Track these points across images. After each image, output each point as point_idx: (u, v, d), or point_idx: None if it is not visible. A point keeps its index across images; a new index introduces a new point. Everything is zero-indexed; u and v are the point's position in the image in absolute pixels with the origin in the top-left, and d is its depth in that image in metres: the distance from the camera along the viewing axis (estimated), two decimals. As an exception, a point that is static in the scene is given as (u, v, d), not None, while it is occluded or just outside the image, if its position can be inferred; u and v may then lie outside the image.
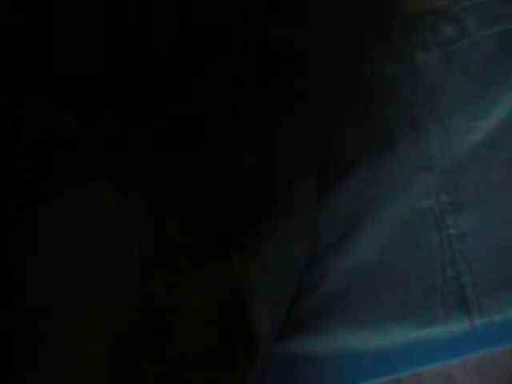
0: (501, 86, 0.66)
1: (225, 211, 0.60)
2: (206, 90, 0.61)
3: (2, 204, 0.57)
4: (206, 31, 0.62)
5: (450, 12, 0.68)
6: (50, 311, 0.56)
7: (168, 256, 0.59)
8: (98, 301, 0.58)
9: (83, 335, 0.57)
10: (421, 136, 0.66)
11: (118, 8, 0.60)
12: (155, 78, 0.61)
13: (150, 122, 0.60)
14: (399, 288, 0.63)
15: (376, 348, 0.62)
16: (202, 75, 0.61)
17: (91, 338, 0.57)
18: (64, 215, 0.58)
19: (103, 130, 0.59)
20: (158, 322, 0.58)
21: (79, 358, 0.56)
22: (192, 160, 0.60)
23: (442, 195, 0.65)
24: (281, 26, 0.64)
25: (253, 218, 0.61)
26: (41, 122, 0.58)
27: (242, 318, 0.59)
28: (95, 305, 0.57)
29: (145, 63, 0.61)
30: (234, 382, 0.59)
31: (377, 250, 0.64)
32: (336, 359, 0.62)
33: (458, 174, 0.65)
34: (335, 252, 0.64)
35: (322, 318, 0.63)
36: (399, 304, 0.63)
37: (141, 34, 0.61)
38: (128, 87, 0.60)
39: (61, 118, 0.59)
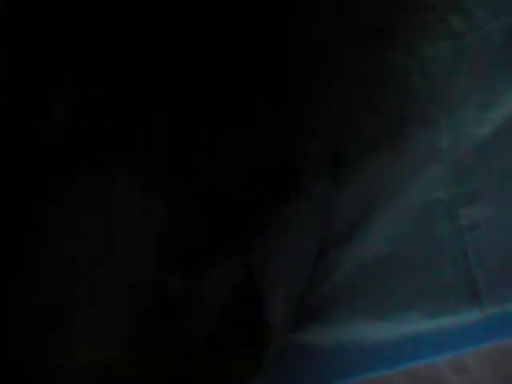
0: (510, 77, 0.67)
1: (239, 199, 0.61)
2: (221, 82, 0.62)
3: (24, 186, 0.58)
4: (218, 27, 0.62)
5: (460, 4, 0.69)
6: (62, 299, 0.57)
7: (184, 243, 0.59)
8: (112, 289, 0.58)
9: (97, 324, 0.57)
10: (431, 127, 0.66)
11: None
12: (170, 69, 0.61)
13: (167, 112, 0.60)
14: (410, 279, 0.64)
15: (387, 338, 0.63)
16: (216, 68, 0.62)
17: (105, 326, 0.58)
18: (79, 204, 0.59)
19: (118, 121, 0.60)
20: (173, 310, 0.59)
21: (92, 345, 0.57)
22: (207, 149, 0.61)
23: (452, 186, 0.66)
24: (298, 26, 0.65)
25: (267, 207, 0.61)
26: (55, 122, 0.59)
27: (256, 306, 0.60)
28: (109, 292, 0.58)
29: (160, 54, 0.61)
30: (248, 369, 0.60)
31: (388, 240, 0.65)
32: (346, 349, 0.63)
33: (468, 165, 0.66)
34: (346, 242, 0.64)
35: (333, 307, 0.63)
36: (410, 294, 0.64)
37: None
38: (144, 78, 0.61)
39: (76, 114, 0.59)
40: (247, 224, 0.61)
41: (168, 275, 0.59)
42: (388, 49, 0.68)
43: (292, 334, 0.63)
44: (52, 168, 0.59)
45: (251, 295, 0.61)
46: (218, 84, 0.61)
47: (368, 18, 0.67)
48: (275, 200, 0.62)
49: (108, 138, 0.59)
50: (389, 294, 0.64)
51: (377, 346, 0.63)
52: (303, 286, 0.63)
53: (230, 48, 0.62)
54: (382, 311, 0.63)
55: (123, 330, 0.58)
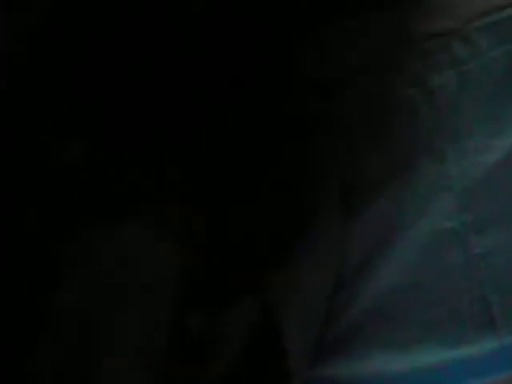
0: (515, 105, 0.67)
1: (253, 239, 0.61)
2: (226, 126, 0.62)
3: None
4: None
5: (463, 32, 0.69)
6: (85, 350, 0.57)
7: (203, 286, 0.60)
8: (134, 338, 0.58)
9: (120, 374, 0.58)
10: (439, 157, 0.66)
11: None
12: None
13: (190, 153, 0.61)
14: (426, 309, 0.64)
15: (406, 370, 0.63)
16: (220, 111, 0.62)
17: (128, 377, 0.58)
18: (94, 250, 0.59)
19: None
20: (191, 351, 0.59)
21: None
22: (219, 193, 0.61)
23: (463, 215, 0.66)
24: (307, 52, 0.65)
25: (283, 245, 0.62)
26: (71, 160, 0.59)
27: (275, 343, 0.60)
28: (130, 343, 0.58)
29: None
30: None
31: (401, 273, 0.65)
32: (366, 382, 0.63)
33: (478, 194, 0.66)
34: (361, 276, 0.65)
35: (351, 341, 0.64)
36: (427, 325, 0.64)
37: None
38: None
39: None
40: (261, 263, 0.61)
41: (185, 316, 0.60)
42: (393, 82, 0.68)
43: (312, 369, 0.63)
44: (63, 213, 0.59)
45: (269, 333, 0.61)
46: (223, 128, 0.62)
47: (371, 51, 0.68)
48: (291, 240, 0.62)
49: (120, 187, 0.60)
50: (406, 325, 0.64)
51: (396, 379, 0.63)
52: (320, 322, 0.63)
53: (232, 87, 0.63)
54: (399, 343, 0.64)
55: (142, 375, 0.58)
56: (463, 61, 0.69)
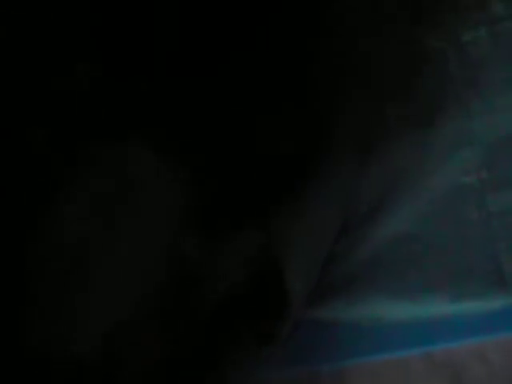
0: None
1: (263, 172, 0.60)
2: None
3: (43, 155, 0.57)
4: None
5: (500, -10, 0.68)
6: (73, 262, 0.56)
7: (203, 215, 0.59)
8: (127, 257, 0.57)
9: (108, 288, 0.57)
10: (464, 110, 0.65)
11: None
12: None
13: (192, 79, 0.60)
14: (436, 261, 0.62)
15: (407, 319, 0.61)
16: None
17: (120, 296, 0.57)
18: (94, 167, 0.58)
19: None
20: (186, 276, 0.58)
21: (107, 315, 0.56)
22: (228, 119, 0.60)
23: (482, 172, 0.64)
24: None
25: (291, 180, 0.60)
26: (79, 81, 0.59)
27: (275, 280, 0.59)
28: (124, 261, 0.57)
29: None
30: (261, 342, 0.59)
31: (412, 222, 0.63)
32: (363, 327, 0.61)
33: (499, 152, 0.64)
34: (371, 220, 0.63)
35: (353, 284, 0.62)
36: (435, 276, 0.62)
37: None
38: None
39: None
40: (265, 197, 0.60)
41: (183, 241, 0.58)
42: (425, 34, 0.67)
43: (309, 308, 0.61)
44: (70, 129, 0.58)
45: (267, 268, 0.59)
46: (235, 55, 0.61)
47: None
48: (299, 176, 0.61)
49: (123, 109, 0.59)
50: (411, 275, 0.62)
51: (395, 327, 0.61)
52: (323, 262, 0.62)
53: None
54: (404, 291, 0.62)
55: (136, 294, 0.57)
56: (498, 19, 0.67)
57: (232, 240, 0.59)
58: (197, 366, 0.58)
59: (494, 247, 0.62)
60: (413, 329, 0.61)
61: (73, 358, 0.56)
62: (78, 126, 0.58)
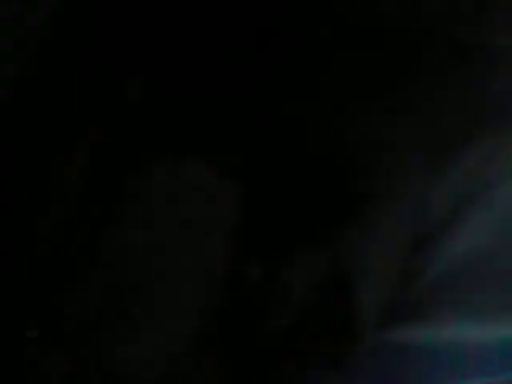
0: None
1: (328, 192, 0.57)
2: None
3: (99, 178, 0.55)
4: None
5: None
6: (138, 286, 0.55)
7: (265, 230, 0.56)
8: (189, 279, 0.55)
9: (167, 313, 0.55)
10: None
11: None
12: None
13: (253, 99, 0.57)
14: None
15: (494, 341, 0.56)
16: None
17: (176, 316, 0.55)
18: (157, 188, 0.55)
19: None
20: (249, 298, 0.55)
21: (169, 336, 0.55)
22: (295, 139, 0.57)
23: None
24: None
25: (357, 199, 0.57)
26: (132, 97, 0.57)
27: (342, 301, 0.55)
28: (182, 280, 0.55)
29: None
30: (329, 366, 0.55)
31: (492, 236, 0.58)
32: (441, 351, 0.57)
33: None
34: (444, 236, 0.58)
35: (430, 304, 0.58)
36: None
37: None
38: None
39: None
40: (336, 215, 0.57)
41: (246, 262, 0.56)
42: (488, 30, 0.62)
43: (382, 331, 0.57)
44: (128, 147, 0.56)
45: (336, 289, 0.56)
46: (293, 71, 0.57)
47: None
48: (365, 195, 0.57)
49: (184, 124, 0.57)
50: (487, 292, 0.57)
51: (476, 351, 0.57)
52: (396, 281, 0.57)
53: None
54: (488, 311, 0.57)
55: (196, 319, 0.55)
56: None
57: (297, 263, 0.56)
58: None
59: None
60: (499, 352, 0.56)
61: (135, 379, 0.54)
62: (140, 142, 0.56)
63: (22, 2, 0.58)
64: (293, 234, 0.56)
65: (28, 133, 0.57)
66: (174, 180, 0.56)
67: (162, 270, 0.55)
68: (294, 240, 0.56)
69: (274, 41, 0.58)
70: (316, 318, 0.56)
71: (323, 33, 0.58)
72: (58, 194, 0.56)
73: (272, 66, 0.58)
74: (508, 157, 0.60)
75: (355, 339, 0.55)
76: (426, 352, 0.57)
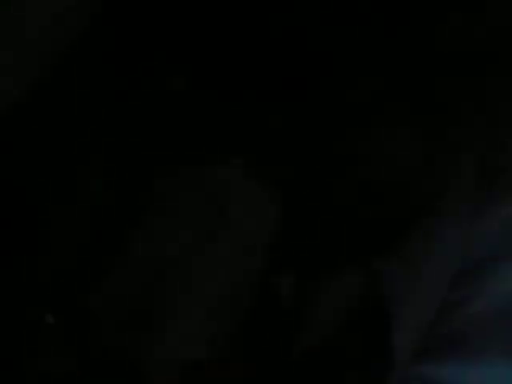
0: None
1: (369, 214, 0.54)
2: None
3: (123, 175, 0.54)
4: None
5: None
6: (159, 289, 0.53)
7: (300, 244, 0.54)
8: (214, 284, 0.53)
9: (192, 319, 0.53)
10: None
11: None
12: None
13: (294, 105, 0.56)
14: None
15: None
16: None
17: (200, 323, 0.53)
18: (188, 189, 0.54)
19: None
20: (278, 313, 0.53)
21: (184, 343, 0.52)
22: (340, 155, 0.55)
23: None
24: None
25: (400, 225, 0.55)
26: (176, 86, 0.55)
27: (378, 326, 0.52)
28: (210, 287, 0.53)
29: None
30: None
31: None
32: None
33: None
34: (489, 271, 0.56)
35: (468, 342, 0.55)
36: None
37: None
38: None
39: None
40: (375, 233, 0.55)
41: (277, 276, 0.54)
42: None
43: (416, 364, 0.54)
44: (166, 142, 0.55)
45: (373, 312, 0.53)
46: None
47: None
48: (409, 222, 0.55)
49: (216, 127, 0.55)
50: None
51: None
52: (432, 315, 0.55)
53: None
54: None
55: (221, 328, 0.52)
56: None
57: (328, 280, 0.54)
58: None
59: None
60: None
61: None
62: (171, 141, 0.55)
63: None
64: (330, 253, 0.54)
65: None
66: (201, 181, 0.55)
67: (187, 274, 0.53)
68: (331, 259, 0.54)
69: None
70: (344, 344, 0.53)
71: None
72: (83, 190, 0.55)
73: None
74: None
75: (387, 368, 0.53)
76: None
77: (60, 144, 0.55)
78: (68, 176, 0.55)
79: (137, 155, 0.55)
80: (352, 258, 0.54)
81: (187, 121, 0.55)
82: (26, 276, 0.53)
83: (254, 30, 0.56)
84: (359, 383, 0.53)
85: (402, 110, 0.57)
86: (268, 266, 0.53)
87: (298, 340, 0.53)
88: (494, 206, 0.56)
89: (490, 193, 0.57)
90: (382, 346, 0.52)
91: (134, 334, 0.52)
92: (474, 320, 0.55)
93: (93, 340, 0.52)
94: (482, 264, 0.56)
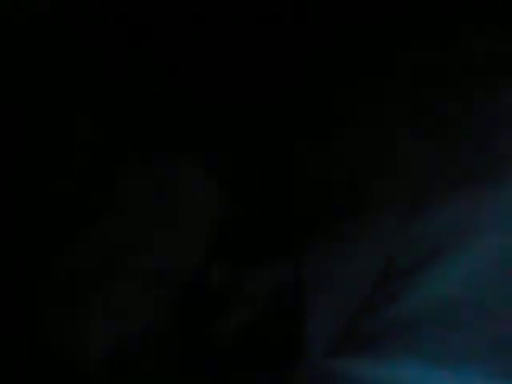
0: None
1: (304, 207, 0.59)
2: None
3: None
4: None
5: None
6: (103, 271, 0.58)
7: (236, 233, 0.58)
8: (154, 265, 0.58)
9: (129, 298, 0.57)
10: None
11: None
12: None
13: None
14: (483, 330, 0.55)
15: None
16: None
17: (137, 302, 0.57)
18: (142, 179, 0.59)
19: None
20: (210, 296, 0.57)
21: (119, 319, 0.57)
22: (280, 147, 0.58)
23: None
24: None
25: (330, 220, 0.58)
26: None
27: (296, 319, 0.54)
28: (151, 269, 0.58)
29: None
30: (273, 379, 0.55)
31: (461, 284, 0.57)
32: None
33: None
34: (411, 278, 0.57)
35: (384, 342, 0.56)
36: (476, 347, 0.55)
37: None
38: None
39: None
40: (300, 232, 0.59)
41: (211, 263, 0.58)
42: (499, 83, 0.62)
43: (331, 359, 0.55)
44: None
45: (290, 305, 0.55)
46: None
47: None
48: (339, 212, 0.59)
49: (181, 123, 0.60)
50: (451, 341, 0.55)
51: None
52: (354, 312, 0.56)
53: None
54: (439, 358, 0.55)
55: (157, 306, 0.57)
56: None
57: (260, 271, 0.57)
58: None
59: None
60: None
61: (81, 363, 0.56)
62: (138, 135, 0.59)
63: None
64: (263, 242, 0.57)
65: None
66: (169, 177, 0.57)
67: (129, 256, 0.56)
68: (263, 248, 0.57)
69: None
70: (264, 330, 0.55)
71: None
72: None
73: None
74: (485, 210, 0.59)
75: (296, 360, 0.54)
76: None
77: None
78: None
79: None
80: (282, 250, 0.56)
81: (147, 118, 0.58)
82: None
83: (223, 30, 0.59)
84: (271, 368, 0.54)
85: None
86: (207, 252, 0.56)
87: (220, 324, 0.55)
88: (425, 218, 0.58)
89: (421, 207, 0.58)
90: (296, 334, 0.54)
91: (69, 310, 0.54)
92: (393, 321, 0.56)
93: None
94: (409, 268, 0.58)
